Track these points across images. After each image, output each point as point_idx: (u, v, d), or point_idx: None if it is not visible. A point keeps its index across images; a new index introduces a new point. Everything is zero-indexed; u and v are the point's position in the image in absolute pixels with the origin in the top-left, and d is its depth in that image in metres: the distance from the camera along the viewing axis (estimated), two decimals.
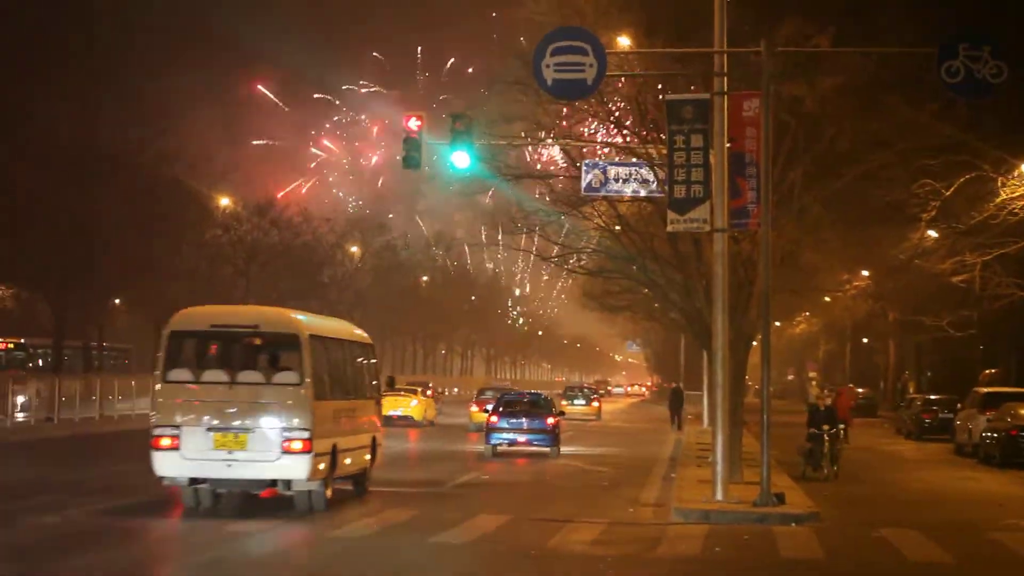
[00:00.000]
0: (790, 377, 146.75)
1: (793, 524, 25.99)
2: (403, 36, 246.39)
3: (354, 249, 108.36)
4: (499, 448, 45.44)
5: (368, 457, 30.54)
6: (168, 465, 25.71)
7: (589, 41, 26.62)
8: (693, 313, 35.04)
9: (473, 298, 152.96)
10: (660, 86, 33.72)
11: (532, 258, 44.81)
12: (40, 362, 77.10)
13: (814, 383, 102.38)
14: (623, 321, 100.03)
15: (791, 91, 31.18)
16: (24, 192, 63.18)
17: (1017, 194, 41.73)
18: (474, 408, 58.59)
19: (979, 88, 26.42)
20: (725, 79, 28.63)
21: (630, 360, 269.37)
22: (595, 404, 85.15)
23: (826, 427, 36.58)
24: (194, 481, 26.01)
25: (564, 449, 47.49)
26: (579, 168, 35.21)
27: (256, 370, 26.67)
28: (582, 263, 43.56)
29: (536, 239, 41.48)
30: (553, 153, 38.14)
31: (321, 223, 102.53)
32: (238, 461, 25.49)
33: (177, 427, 25.65)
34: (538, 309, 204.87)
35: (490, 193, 42.91)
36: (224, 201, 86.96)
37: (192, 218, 78.95)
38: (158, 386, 26.31)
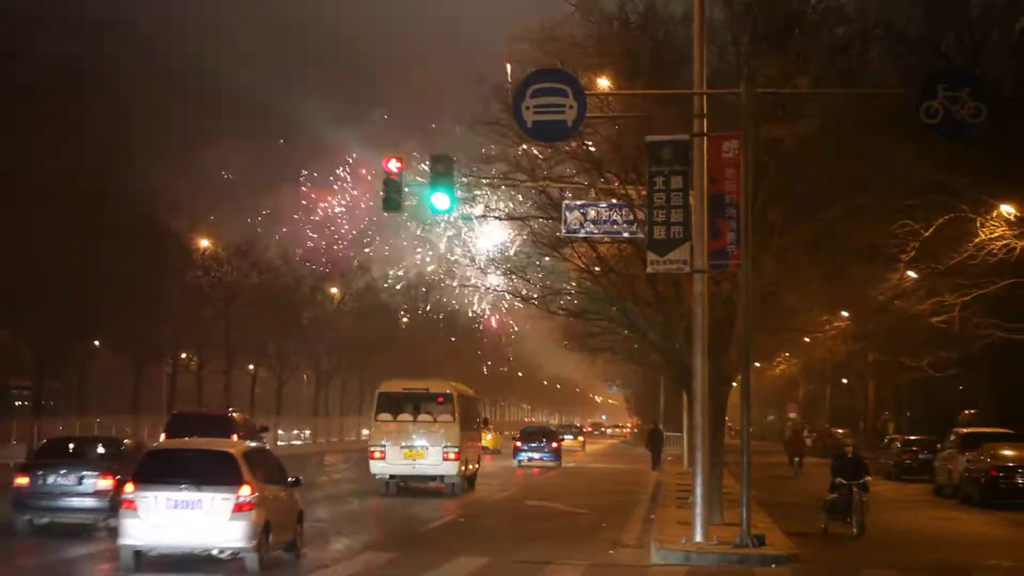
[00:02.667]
0: (770, 418, 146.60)
1: (773, 565, 25.94)
2: (373, 76, 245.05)
3: (334, 291, 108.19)
4: (522, 463, 69.53)
5: (476, 466, 50.42)
6: (378, 468, 44.69)
7: (569, 83, 26.65)
8: (673, 354, 35.01)
9: (453, 339, 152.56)
10: (640, 127, 33.72)
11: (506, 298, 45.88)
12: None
13: (789, 424, 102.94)
14: (603, 362, 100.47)
15: (771, 132, 31.24)
16: (3, 232, 62.84)
17: (995, 235, 41.85)
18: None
19: (957, 129, 26.42)
20: (705, 120, 28.68)
21: (610, 401, 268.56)
22: (580, 439, 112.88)
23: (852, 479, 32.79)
24: (392, 477, 44.75)
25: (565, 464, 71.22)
26: (559, 209, 35.22)
27: (428, 414, 45.02)
28: (562, 304, 43.56)
29: (515, 280, 41.51)
30: (531, 195, 38.07)
31: (300, 264, 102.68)
32: (419, 465, 44.46)
33: (383, 446, 44.53)
34: (517, 349, 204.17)
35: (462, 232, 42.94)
36: (204, 243, 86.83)
37: (173, 259, 78.73)
38: (373, 423, 45.70)
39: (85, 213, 66.46)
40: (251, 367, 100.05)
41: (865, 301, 51.56)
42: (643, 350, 50.10)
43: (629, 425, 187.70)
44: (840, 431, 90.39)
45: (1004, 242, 42.22)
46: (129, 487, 23.57)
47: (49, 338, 69.05)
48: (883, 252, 38.14)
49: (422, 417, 44.79)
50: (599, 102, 33.04)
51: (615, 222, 34.13)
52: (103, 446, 32.25)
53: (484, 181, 37.64)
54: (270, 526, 23.66)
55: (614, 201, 34.60)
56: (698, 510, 28.11)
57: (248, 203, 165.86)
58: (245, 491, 23.08)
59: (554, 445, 70.72)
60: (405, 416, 44.80)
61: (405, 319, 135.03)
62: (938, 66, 29.17)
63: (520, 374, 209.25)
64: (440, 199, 33.61)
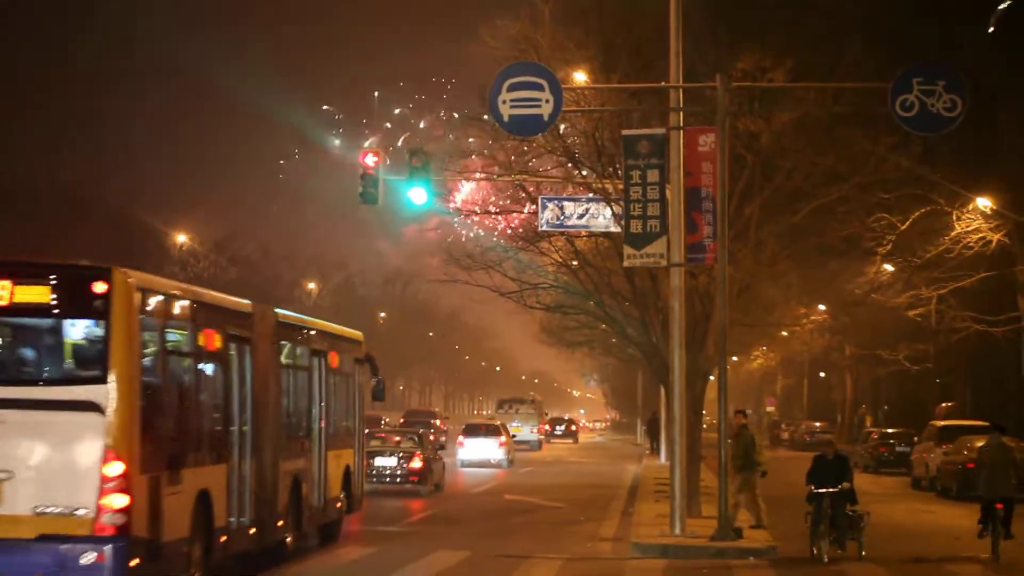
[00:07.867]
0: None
1: (751, 558, 26.00)
2: (356, 70, 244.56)
3: (312, 286, 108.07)
4: (549, 439, 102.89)
5: (543, 438, 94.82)
6: None
7: (545, 76, 26.64)
8: (650, 348, 35.01)
9: (431, 334, 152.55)
10: (616, 121, 33.72)
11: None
12: None
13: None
14: (581, 356, 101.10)
15: (747, 126, 31.27)
16: None
17: (971, 228, 41.97)
18: (546, 427, 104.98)
19: (933, 122, 26.47)
20: (681, 114, 28.68)
21: (588, 396, 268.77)
22: (572, 428, 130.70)
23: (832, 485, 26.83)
24: None
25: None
26: (536, 204, 35.22)
27: (524, 409, 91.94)
28: (539, 299, 43.55)
29: (492, 275, 41.44)
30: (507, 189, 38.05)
31: (280, 260, 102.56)
32: (519, 435, 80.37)
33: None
34: (494, 344, 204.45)
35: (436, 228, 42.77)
36: (181, 238, 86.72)
37: (151, 254, 78.58)
38: (496, 414, 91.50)
39: (63, 209, 66.47)
40: None
41: (842, 294, 51.72)
42: (620, 344, 50.24)
43: (608, 420, 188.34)
44: (818, 424, 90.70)
45: (980, 235, 42.36)
46: (461, 437, 61.99)
47: None
48: (860, 245, 38.15)
49: (520, 411, 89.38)
50: (576, 96, 33.05)
51: (592, 216, 34.14)
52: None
53: (461, 175, 37.65)
54: (509, 451, 61.97)
55: (591, 195, 34.59)
56: (676, 503, 28.15)
57: (228, 196, 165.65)
58: (503, 438, 61.90)
59: (572, 428, 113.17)
60: (511, 410, 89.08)
61: (383, 314, 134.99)
62: (914, 60, 29.09)
63: (498, 368, 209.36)
64: (417, 193, 33.58)
